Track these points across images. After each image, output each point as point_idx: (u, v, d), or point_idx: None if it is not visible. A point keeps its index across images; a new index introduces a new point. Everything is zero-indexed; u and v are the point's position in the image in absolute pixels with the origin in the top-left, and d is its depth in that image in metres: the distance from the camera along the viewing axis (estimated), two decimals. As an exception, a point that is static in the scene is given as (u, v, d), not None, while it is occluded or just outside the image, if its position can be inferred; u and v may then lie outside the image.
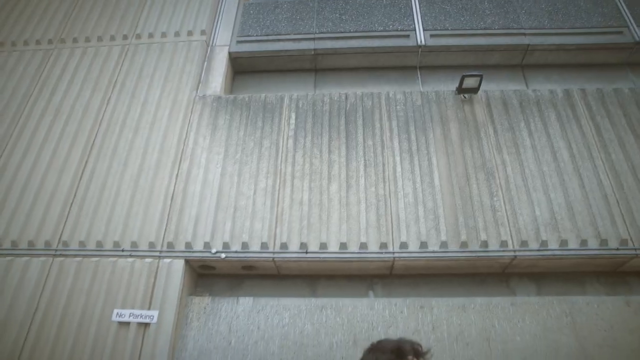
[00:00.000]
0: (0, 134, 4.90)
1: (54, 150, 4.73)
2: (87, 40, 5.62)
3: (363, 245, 3.95)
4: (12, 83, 5.32)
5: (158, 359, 3.64)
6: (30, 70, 5.42)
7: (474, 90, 4.59)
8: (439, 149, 4.40)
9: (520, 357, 3.61)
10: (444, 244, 3.91)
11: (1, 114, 5.06)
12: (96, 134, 4.81)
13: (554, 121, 4.50)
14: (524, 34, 5.24)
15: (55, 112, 5.01)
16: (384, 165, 4.36)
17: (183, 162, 4.52)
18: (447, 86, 5.13)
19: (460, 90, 4.60)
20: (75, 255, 4.14)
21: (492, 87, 5.08)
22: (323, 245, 3.98)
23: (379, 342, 1.52)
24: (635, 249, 3.80)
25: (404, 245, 3.93)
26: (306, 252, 3.98)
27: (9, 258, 4.17)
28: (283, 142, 4.60)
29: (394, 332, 3.74)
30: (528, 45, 5.18)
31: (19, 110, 5.07)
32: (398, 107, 4.71)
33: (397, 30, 5.39)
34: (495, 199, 4.08)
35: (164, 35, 5.56)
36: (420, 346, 1.45)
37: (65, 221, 4.32)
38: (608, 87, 4.76)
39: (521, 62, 5.37)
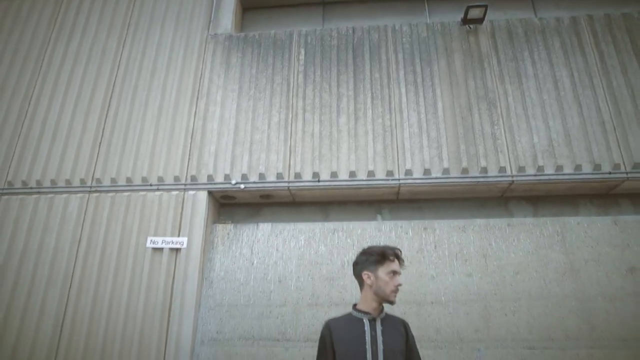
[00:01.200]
0: (26, 80, 5.17)
1: (77, 94, 5.01)
2: (98, -18, 5.70)
3: (371, 173, 4.26)
4: (30, 28, 5.51)
5: (190, 279, 4.12)
6: (45, 15, 5.58)
7: (479, 20, 4.65)
8: (443, 80, 4.57)
9: (513, 271, 4.00)
10: (446, 171, 4.19)
11: (25, 58, 5.30)
12: (115, 77, 5.05)
13: (558, 49, 4.58)
14: (534, -41, 5.16)
15: (75, 56, 5.23)
16: (390, 97, 4.56)
17: (200, 101, 4.78)
18: (454, 17, 5.16)
19: (465, 21, 4.67)
20: (108, 191, 4.55)
21: (500, 16, 5.11)
22: (334, 174, 4.30)
23: (369, 247, 1.86)
24: (627, 173, 4.04)
25: (408, 172, 4.22)
26: (318, 181, 4.31)
27: (50, 195, 4.59)
28: (294, 77, 4.79)
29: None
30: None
31: (40, 56, 5.30)
32: (404, 39, 4.81)
33: (404, -40, 5.35)
34: (495, 127, 4.30)
35: (172, -26, 5.60)
36: (400, 251, 1.79)
37: (96, 160, 4.69)
38: (617, 12, 4.76)
39: (530, -11, 5.34)
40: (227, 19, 5.30)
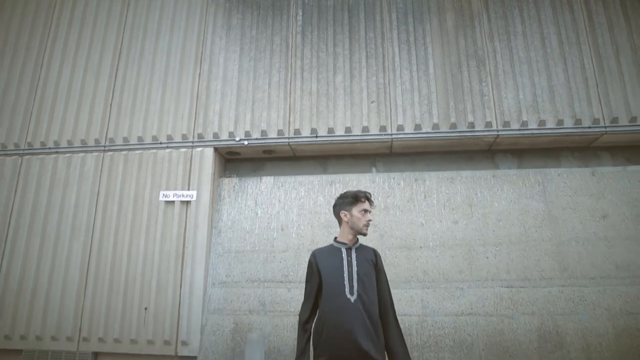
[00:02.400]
0: (36, 44, 5.40)
1: (87, 58, 5.25)
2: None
3: (365, 129, 4.55)
4: (36, -7, 5.69)
5: (200, 229, 4.52)
6: (50, -21, 5.74)
7: (472, -22, 4.77)
8: (434, 39, 4.76)
9: (496, 218, 4.35)
10: (435, 126, 4.47)
11: (32, 23, 5.51)
12: (122, 40, 5.27)
13: (547, 7, 4.73)
14: None
15: (81, 20, 5.43)
16: (384, 56, 4.77)
17: (204, 63, 5.02)
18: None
19: (458, -21, 4.80)
20: (122, 150, 4.89)
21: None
22: (331, 130, 4.60)
23: (345, 192, 2.23)
24: (605, 127, 4.30)
25: (400, 127, 4.51)
26: (316, 137, 4.62)
27: (67, 155, 4.94)
28: (292, 38, 4.99)
29: (392, 201, 4.49)
30: None
31: (48, 21, 5.50)
32: (398, -1, 4.97)
33: None
34: (483, 84, 4.53)
35: None
36: (370, 194, 2.15)
37: (109, 121, 5.00)
38: (608, -33, 4.86)
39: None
40: (227, -20, 5.44)
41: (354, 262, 2.02)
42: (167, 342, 4.25)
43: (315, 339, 1.94)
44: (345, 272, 1.97)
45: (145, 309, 4.36)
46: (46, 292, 4.53)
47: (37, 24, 5.51)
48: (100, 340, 4.36)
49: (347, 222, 2.10)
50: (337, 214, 2.17)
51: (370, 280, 1.99)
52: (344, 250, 2.07)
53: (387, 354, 2.00)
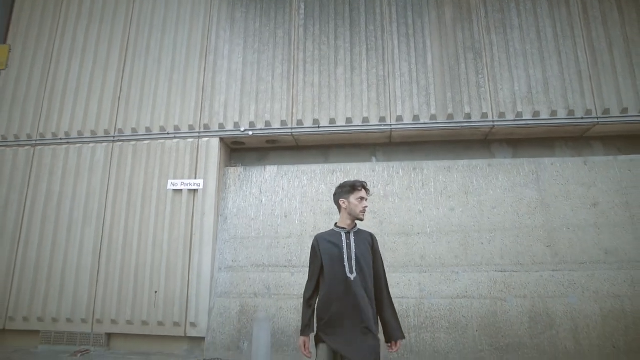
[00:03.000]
0: (45, 40, 5.55)
1: (95, 52, 5.40)
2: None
3: (365, 120, 4.72)
4: (45, -14, 5.82)
5: (207, 216, 4.71)
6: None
7: (470, -28, 4.89)
8: (433, 32, 4.90)
9: (491, 206, 4.53)
10: (433, 117, 4.63)
11: (41, 18, 5.65)
12: (129, 35, 5.42)
13: (543, 1, 4.85)
14: None
15: (89, 15, 5.57)
16: (383, 49, 4.92)
17: (209, 55, 5.17)
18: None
19: (456, -27, 4.92)
20: (130, 140, 5.07)
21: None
22: (332, 121, 4.76)
23: (344, 182, 2.43)
24: (597, 118, 4.45)
25: (399, 118, 4.67)
26: (318, 127, 4.79)
27: (78, 145, 5.12)
28: (295, 31, 5.14)
29: (391, 189, 4.67)
30: None
31: (56, 15, 5.64)
32: (398, -8, 5.10)
33: None
34: (480, 76, 4.68)
35: None
36: (366, 183, 2.35)
37: (117, 112, 5.17)
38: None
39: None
40: (230, -27, 5.56)
41: (353, 245, 2.22)
42: (176, 324, 4.47)
43: (321, 313, 2.15)
44: (345, 253, 2.18)
45: (156, 292, 4.58)
46: (61, 277, 4.75)
47: (46, 19, 5.65)
48: (113, 322, 4.59)
49: (346, 209, 2.30)
50: (336, 201, 2.38)
51: (366, 260, 2.19)
52: (343, 235, 2.27)
53: (382, 323, 2.21)
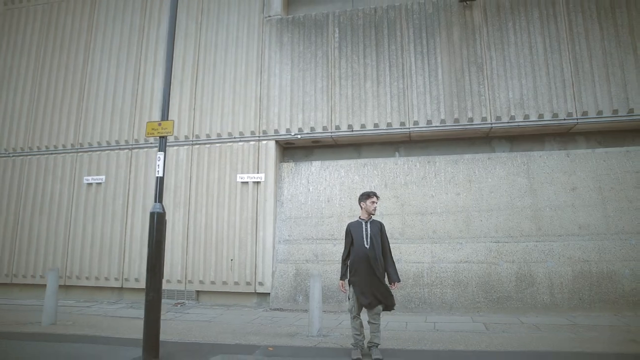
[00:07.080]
0: (132, 58, 7.02)
1: (173, 70, 6.81)
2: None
3: (389, 124, 5.97)
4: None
5: (268, 201, 6.15)
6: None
7: (474, -3, 5.94)
8: (443, 50, 6.02)
9: (489, 191, 5.74)
10: (443, 121, 5.83)
11: (129, 49, 7.09)
12: (198, 54, 6.78)
13: (535, 19, 5.85)
14: None
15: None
16: (403, 65, 6.10)
17: (263, 73, 6.49)
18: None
19: (462, -2, 5.98)
20: (205, 143, 6.52)
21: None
22: (363, 125, 6.04)
23: (363, 192, 3.81)
24: (577, 119, 5.52)
25: (416, 122, 5.90)
26: (352, 131, 6.08)
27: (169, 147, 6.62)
28: (331, 52, 6.37)
29: (410, 179, 5.95)
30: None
31: (138, 38, 7.07)
32: (414, 16, 6.21)
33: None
34: (481, 86, 5.81)
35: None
36: (376, 192, 3.74)
37: (194, 121, 6.61)
38: (592, -21, 5.87)
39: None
40: (277, 1, 6.75)
41: (369, 229, 3.59)
42: (248, 283, 5.99)
43: (350, 267, 3.57)
44: (364, 234, 3.56)
45: (232, 260, 6.10)
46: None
47: (132, 44, 7.10)
48: (201, 282, 6.16)
49: (364, 208, 3.67)
50: (359, 203, 3.75)
51: (377, 238, 3.55)
52: (363, 223, 3.66)
53: (386, 273, 3.60)
